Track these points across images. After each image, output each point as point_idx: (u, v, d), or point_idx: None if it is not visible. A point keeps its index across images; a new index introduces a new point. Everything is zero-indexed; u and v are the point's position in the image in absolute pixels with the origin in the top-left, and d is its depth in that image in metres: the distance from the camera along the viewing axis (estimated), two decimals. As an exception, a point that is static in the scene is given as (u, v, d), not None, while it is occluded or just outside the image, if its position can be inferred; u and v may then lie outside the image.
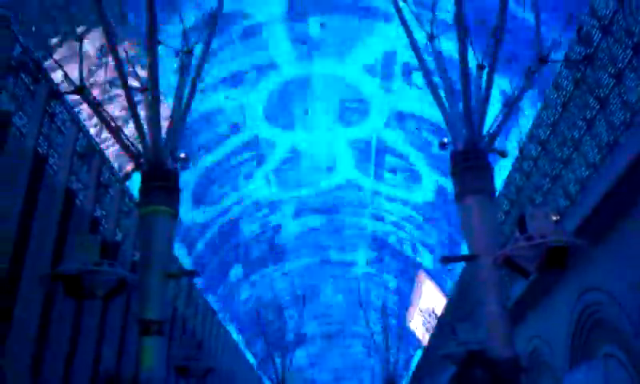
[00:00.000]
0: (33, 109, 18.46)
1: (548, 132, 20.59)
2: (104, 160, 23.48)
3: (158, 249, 15.59)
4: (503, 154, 18.31)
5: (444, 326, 41.32)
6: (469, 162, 16.65)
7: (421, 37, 20.89)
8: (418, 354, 59.30)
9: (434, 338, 48.55)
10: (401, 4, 21.43)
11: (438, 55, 20.63)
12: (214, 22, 18.93)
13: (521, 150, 23.07)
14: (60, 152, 20.19)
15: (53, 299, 19.14)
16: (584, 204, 16.93)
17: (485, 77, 18.22)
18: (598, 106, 17.35)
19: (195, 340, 27.23)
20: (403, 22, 20.23)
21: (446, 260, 24.09)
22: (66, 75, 17.02)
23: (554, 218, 16.06)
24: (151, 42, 17.21)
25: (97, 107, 17.09)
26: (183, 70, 18.98)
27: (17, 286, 17.34)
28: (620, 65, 16.21)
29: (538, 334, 21.98)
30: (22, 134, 18.02)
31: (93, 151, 22.46)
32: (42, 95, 18.82)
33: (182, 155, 17.30)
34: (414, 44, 19.66)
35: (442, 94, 18.79)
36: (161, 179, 15.96)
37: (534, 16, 23.43)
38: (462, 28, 18.17)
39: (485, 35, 21.47)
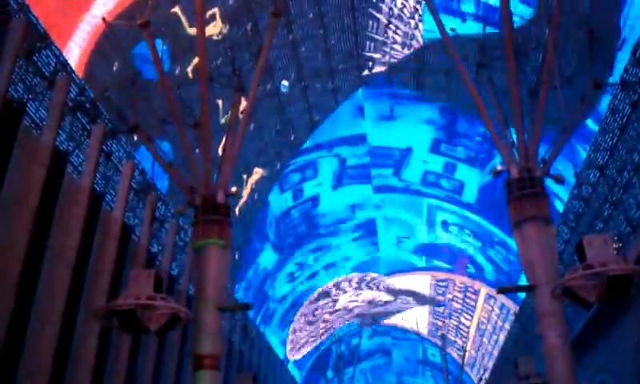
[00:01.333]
0: (89, 148, 18.97)
1: (606, 156, 19.98)
2: (159, 196, 23.90)
3: (212, 282, 15.66)
4: (560, 180, 17.82)
5: (506, 357, 40.18)
6: (524, 189, 16.26)
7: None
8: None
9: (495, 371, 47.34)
10: (449, 31, 21.33)
11: (489, 83, 20.44)
12: (262, 58, 19.14)
13: (579, 176, 22.45)
14: (116, 189, 20.69)
15: (109, 334, 19.40)
16: (647, 230, 16.28)
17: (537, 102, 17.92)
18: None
19: (252, 373, 27.08)
20: (452, 52, 20.10)
21: (504, 290, 23.37)
22: (120, 113, 17.50)
23: (615, 245, 15.48)
24: (203, 80, 17.57)
25: (151, 144, 17.45)
26: (234, 106, 19.29)
27: (74, 321, 17.65)
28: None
29: (602, 367, 21.09)
30: (79, 173, 18.52)
31: (148, 187, 22.91)
32: (99, 133, 19.34)
33: (233, 189, 17.45)
34: (465, 73, 19.48)
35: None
36: (213, 212, 16.11)
37: (587, 40, 23.06)
38: (512, 53, 17.94)
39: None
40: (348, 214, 44.41)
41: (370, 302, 57.42)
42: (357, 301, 56.75)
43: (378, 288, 55.18)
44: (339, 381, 59.44)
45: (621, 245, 18.36)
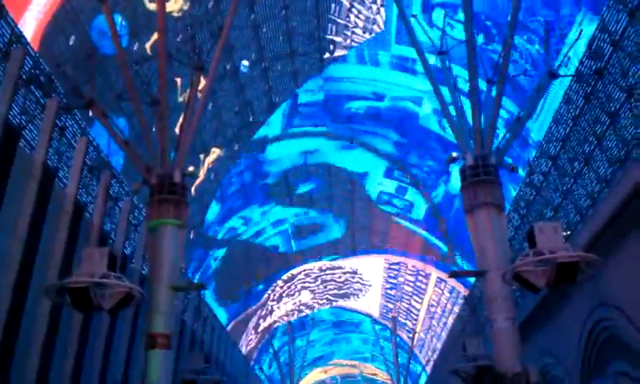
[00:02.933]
0: (43, 122, 18.55)
1: (558, 147, 20.47)
2: (113, 174, 23.55)
3: (166, 262, 15.59)
4: (513, 169, 18.25)
5: (454, 340, 41.02)
6: (478, 176, 16.61)
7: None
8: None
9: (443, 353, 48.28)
10: (412, 21, 21.56)
11: (448, 71, 20.74)
12: (222, 37, 18.97)
13: (531, 165, 22.96)
14: (70, 165, 20.30)
15: (60, 312, 19.13)
16: (594, 219, 16.76)
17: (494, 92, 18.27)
18: (609, 121, 17.24)
19: (203, 353, 27.07)
20: (413, 40, 20.30)
21: (455, 274, 23.89)
22: (76, 89, 17.15)
23: (564, 233, 15.95)
24: (162, 57, 17.36)
25: (106, 120, 17.19)
26: (193, 85, 19.11)
27: (24, 299, 17.34)
28: (631, 79, 16.10)
29: (548, 350, 21.73)
30: (31, 147, 18.12)
31: (102, 164, 22.55)
32: (53, 109, 18.93)
33: (190, 168, 17.35)
34: (424, 61, 19.70)
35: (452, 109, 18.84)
36: (169, 192, 16.00)
37: (544, 31, 23.54)
38: (472, 43, 18.24)
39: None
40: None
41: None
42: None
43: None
44: (288, 351, 60.96)
45: (570, 233, 18.88)
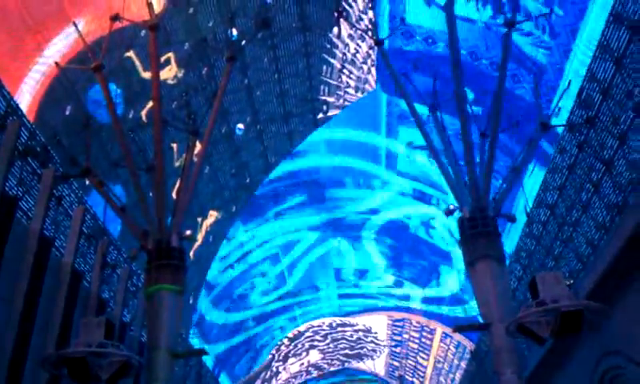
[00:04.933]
0: (39, 192, 18.54)
1: (555, 195, 20.51)
2: (110, 241, 23.44)
3: (165, 328, 15.37)
4: (511, 219, 18.22)
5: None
6: (477, 228, 16.55)
7: (423, 109, 21.26)
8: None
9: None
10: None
11: (441, 125, 20.91)
12: (217, 102, 19.18)
13: (529, 215, 22.94)
14: (66, 234, 20.20)
15: (58, 383, 18.74)
16: (596, 266, 16.66)
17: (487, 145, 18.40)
18: (604, 168, 17.31)
19: None
20: (405, 97, 20.56)
21: (460, 329, 23.57)
22: (72, 158, 17.23)
23: (566, 282, 15.81)
24: (157, 124, 17.52)
25: (102, 188, 17.21)
26: (189, 150, 19.24)
27: (21, 371, 17.00)
28: (622, 126, 16.25)
29: (558, 403, 21.31)
30: (28, 218, 18.07)
31: (99, 232, 22.46)
32: (49, 178, 18.95)
33: (188, 232, 17.30)
34: (416, 117, 19.91)
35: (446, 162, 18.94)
36: (166, 257, 15.90)
37: (534, 83, 23.87)
38: (462, 97, 18.46)
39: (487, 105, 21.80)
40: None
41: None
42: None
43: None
44: None
45: (572, 281, 18.73)
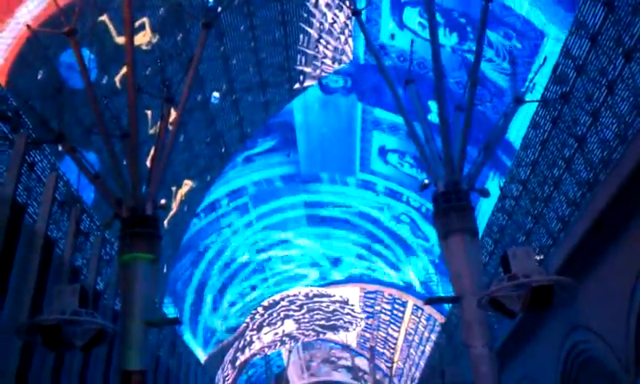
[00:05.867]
0: (11, 158, 18.27)
1: (528, 171, 20.74)
2: (84, 208, 23.24)
3: (139, 297, 15.33)
4: (485, 194, 18.41)
5: (432, 368, 40.91)
6: (451, 202, 16.71)
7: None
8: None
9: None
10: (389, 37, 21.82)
11: (416, 99, 20.94)
12: (192, 69, 18.95)
13: (502, 190, 23.20)
14: (39, 200, 19.98)
15: (32, 350, 18.68)
16: (566, 242, 16.96)
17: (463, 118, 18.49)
18: (576, 145, 17.53)
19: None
20: (381, 70, 20.54)
21: (430, 301, 23.89)
22: (44, 124, 16.95)
23: (537, 257, 16.09)
24: (131, 90, 17.27)
25: (76, 155, 17.00)
26: (164, 117, 19.03)
27: (-6, 338, 16.92)
28: (596, 103, 16.43)
29: (526, 375, 21.77)
30: (0, 184, 17.82)
31: (73, 199, 22.25)
32: (21, 144, 18.66)
33: (162, 202, 17.19)
34: (393, 88, 19.91)
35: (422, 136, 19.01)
36: (141, 225, 15.80)
37: (509, 58, 24.00)
38: (439, 70, 18.47)
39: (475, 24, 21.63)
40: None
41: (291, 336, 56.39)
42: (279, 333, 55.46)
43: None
44: None
45: (543, 257, 19.05)
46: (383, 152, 39.44)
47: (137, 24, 25.25)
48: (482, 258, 19.48)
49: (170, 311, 36.38)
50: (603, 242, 15.05)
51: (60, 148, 19.59)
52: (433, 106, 20.39)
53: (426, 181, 18.19)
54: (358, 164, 41.00)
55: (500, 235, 23.82)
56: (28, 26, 20.76)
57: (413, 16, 28.16)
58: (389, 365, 57.76)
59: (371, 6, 24.37)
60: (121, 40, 24.26)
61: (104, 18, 24.83)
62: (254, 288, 51.44)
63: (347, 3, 28.09)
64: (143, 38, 26.86)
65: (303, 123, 37.80)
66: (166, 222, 32.76)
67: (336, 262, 50.76)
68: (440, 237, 16.60)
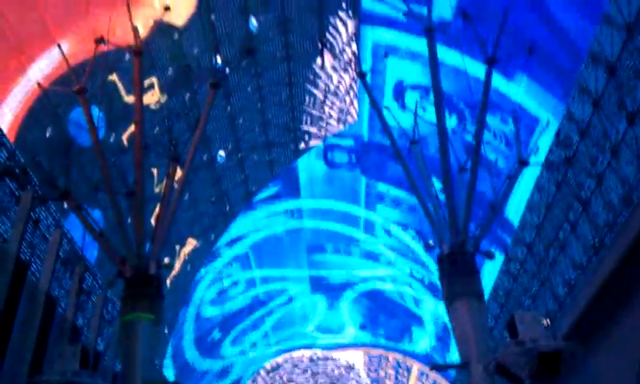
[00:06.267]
0: (17, 214, 18.31)
1: (533, 234, 20.68)
2: (87, 267, 23.14)
3: (139, 358, 15.13)
4: (490, 256, 18.29)
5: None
6: (456, 265, 16.59)
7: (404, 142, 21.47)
8: None
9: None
10: (384, 111, 22.10)
11: (421, 159, 21.08)
12: (199, 128, 19.19)
13: (508, 253, 23.11)
14: (43, 258, 19.92)
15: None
16: (573, 307, 16.77)
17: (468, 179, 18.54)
18: (581, 208, 17.53)
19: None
20: (386, 129, 20.74)
21: (436, 367, 23.49)
22: (51, 180, 17.05)
23: (545, 322, 15.86)
24: (138, 148, 17.45)
25: (81, 212, 17.04)
26: (170, 176, 19.18)
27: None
28: (600, 166, 16.50)
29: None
30: (4, 240, 17.80)
31: (76, 257, 22.18)
32: (27, 200, 18.73)
33: (166, 260, 17.14)
34: (397, 150, 20.06)
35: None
36: (144, 285, 15.72)
37: (513, 120, 24.18)
38: (443, 132, 18.63)
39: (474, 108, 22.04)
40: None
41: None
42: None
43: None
44: None
45: (549, 321, 18.83)
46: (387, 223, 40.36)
47: (146, 83, 25.63)
48: (487, 322, 19.20)
49: (169, 373, 35.73)
50: (610, 307, 14.88)
51: (65, 205, 19.64)
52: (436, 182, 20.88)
53: (431, 242, 18.13)
54: (362, 236, 42.00)
55: (506, 299, 23.59)
56: (39, 84, 21.10)
57: (414, 98, 29.09)
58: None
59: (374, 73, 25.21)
60: (130, 99, 24.57)
61: (113, 76, 25.20)
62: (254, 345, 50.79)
63: (352, 66, 28.58)
64: (152, 98, 27.20)
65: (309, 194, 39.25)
66: (168, 282, 32.55)
67: (339, 330, 50.56)
68: (445, 300, 16.43)
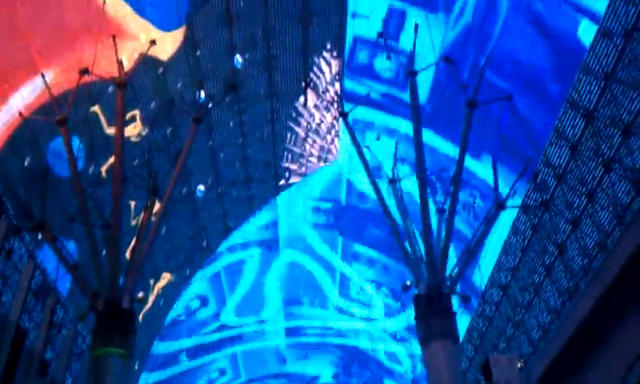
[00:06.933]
0: (-11, 244, 18.00)
1: (509, 276, 20.76)
2: (58, 299, 22.71)
3: (109, 393, 14.85)
4: (466, 300, 18.34)
5: None
6: (432, 305, 16.60)
7: (382, 183, 21.61)
8: None
9: None
10: (364, 151, 22.26)
11: (399, 199, 21.19)
12: (179, 162, 19.15)
13: (483, 295, 23.13)
14: (13, 289, 19.53)
15: None
16: (548, 351, 16.78)
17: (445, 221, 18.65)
18: (557, 252, 17.66)
19: None
20: (366, 168, 20.86)
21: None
22: (26, 210, 16.85)
23: (519, 365, 15.86)
24: (117, 181, 17.36)
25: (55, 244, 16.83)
26: (148, 209, 19.05)
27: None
28: (576, 211, 16.67)
29: None
30: (-25, 270, 17.50)
31: (48, 289, 21.78)
32: (1, 230, 18.44)
33: (140, 295, 16.94)
34: (376, 189, 20.17)
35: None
36: (116, 319, 15.48)
37: (492, 164, 24.46)
38: (422, 173, 18.78)
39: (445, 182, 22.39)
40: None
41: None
42: None
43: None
44: None
45: (524, 364, 18.80)
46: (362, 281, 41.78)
47: (128, 116, 25.55)
48: (462, 364, 19.15)
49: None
50: (584, 351, 14.92)
51: (40, 236, 19.39)
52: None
53: (408, 282, 18.15)
54: (338, 291, 43.30)
55: (480, 341, 23.55)
56: (20, 114, 20.97)
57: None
58: None
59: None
60: (111, 131, 24.47)
61: (96, 108, 25.11)
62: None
63: (335, 105, 28.83)
64: (133, 130, 27.10)
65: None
66: (140, 316, 32.02)
67: (313, 380, 51.06)
68: (420, 341, 16.39)
